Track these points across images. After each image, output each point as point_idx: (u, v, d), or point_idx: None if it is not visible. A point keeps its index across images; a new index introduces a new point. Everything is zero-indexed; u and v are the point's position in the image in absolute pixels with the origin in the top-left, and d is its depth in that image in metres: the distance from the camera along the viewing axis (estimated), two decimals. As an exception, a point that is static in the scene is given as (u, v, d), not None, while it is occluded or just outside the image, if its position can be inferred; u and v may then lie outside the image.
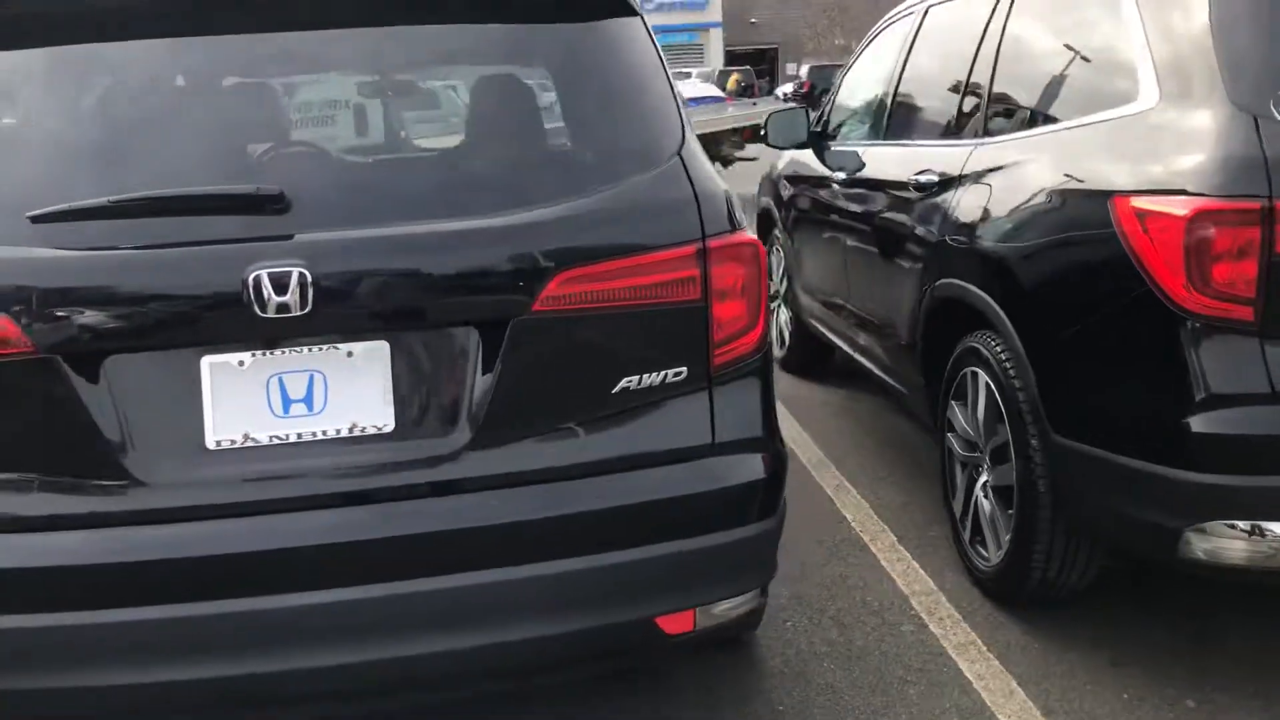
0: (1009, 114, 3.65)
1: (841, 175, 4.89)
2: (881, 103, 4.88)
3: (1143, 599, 3.46)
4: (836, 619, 3.46)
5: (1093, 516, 3.02)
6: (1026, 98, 3.60)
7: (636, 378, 2.30)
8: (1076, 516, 3.07)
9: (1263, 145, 2.52)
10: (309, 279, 2.10)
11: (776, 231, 6.00)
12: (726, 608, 2.46)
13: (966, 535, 3.65)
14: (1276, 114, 2.54)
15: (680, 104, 2.50)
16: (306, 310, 2.11)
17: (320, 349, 2.19)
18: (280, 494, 2.17)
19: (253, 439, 2.17)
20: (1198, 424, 2.59)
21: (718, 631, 2.54)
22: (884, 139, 4.70)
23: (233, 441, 2.17)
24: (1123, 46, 3.01)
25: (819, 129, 5.47)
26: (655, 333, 2.32)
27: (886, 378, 4.48)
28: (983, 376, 3.35)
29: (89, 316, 2.11)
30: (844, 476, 4.64)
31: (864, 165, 4.72)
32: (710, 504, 2.36)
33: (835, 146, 5.24)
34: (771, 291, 5.10)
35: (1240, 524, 2.59)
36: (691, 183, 2.34)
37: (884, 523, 4.16)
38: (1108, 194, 2.79)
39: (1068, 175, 3.06)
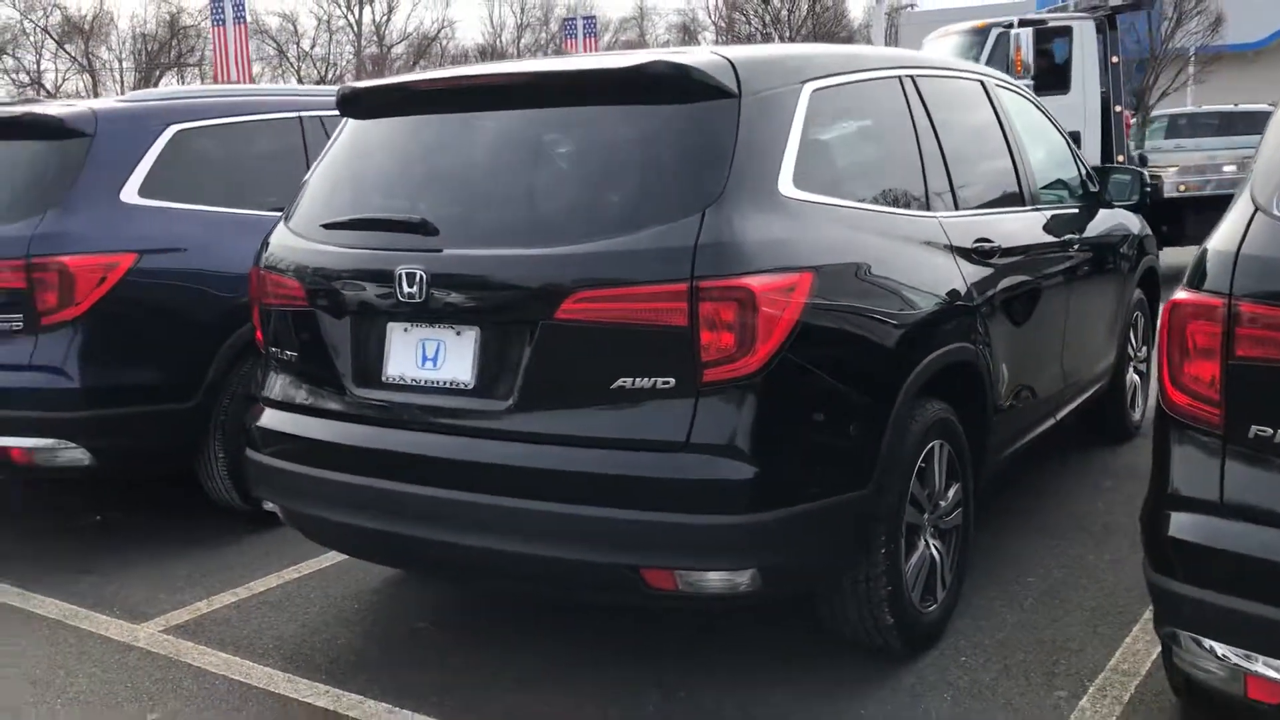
0: None
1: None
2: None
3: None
4: (1007, 665, 3.57)
5: None
6: None
7: (631, 379, 2.99)
8: None
9: None
10: (424, 277, 3.19)
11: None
12: (705, 578, 3.03)
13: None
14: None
15: (746, 167, 3.06)
16: (424, 299, 3.20)
17: (445, 327, 3.26)
18: (410, 416, 3.30)
19: (404, 378, 3.33)
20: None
21: (706, 600, 3.11)
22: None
23: (394, 378, 3.35)
24: None
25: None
26: (647, 348, 2.98)
27: None
28: None
29: (332, 287, 3.44)
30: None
31: None
32: (677, 489, 2.96)
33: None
34: None
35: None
36: (700, 233, 2.94)
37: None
38: None
39: None
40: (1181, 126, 24.60)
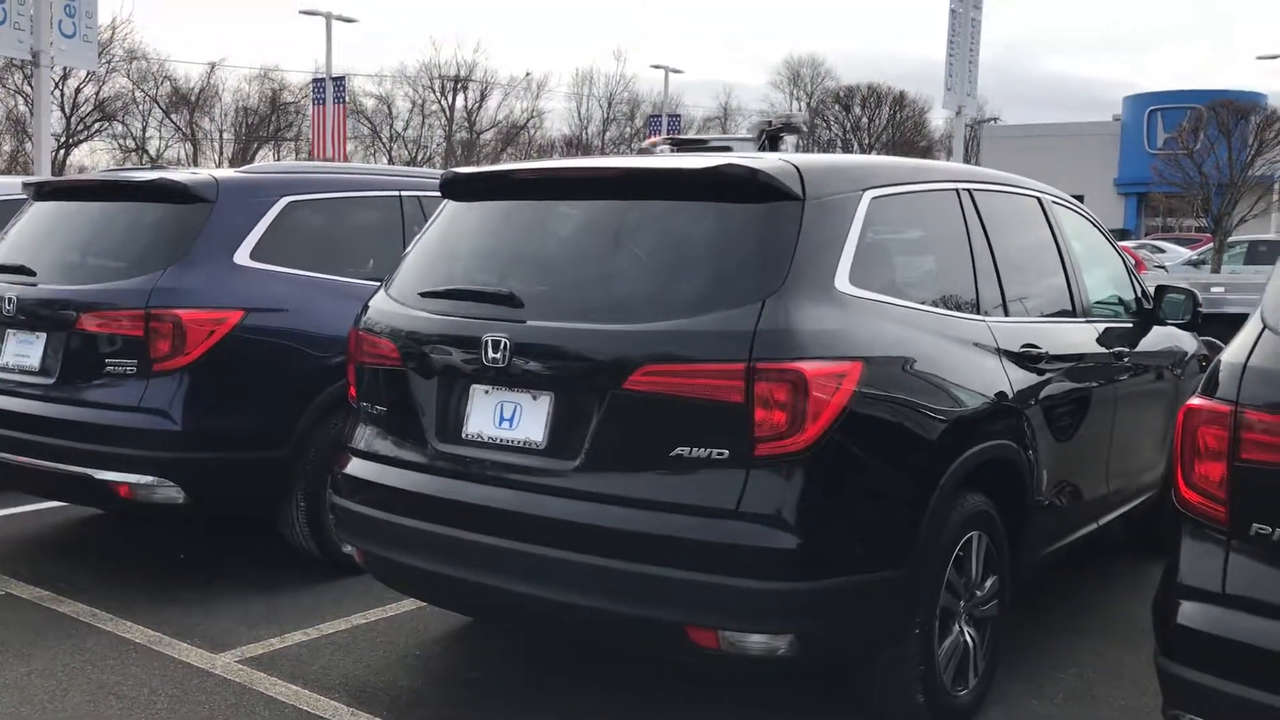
0: None
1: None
2: None
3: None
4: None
5: None
6: None
7: (689, 449, 3.26)
8: None
9: None
10: (507, 345, 3.51)
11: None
12: (746, 640, 3.26)
13: None
14: None
15: (805, 264, 3.35)
16: (506, 364, 3.52)
17: (522, 391, 3.57)
18: (485, 471, 3.59)
19: (482, 436, 3.63)
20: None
21: (747, 662, 3.33)
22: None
23: (473, 435, 3.65)
24: None
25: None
26: (706, 421, 3.25)
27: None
28: None
29: (423, 350, 3.78)
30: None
31: None
32: (725, 553, 3.20)
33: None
34: None
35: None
36: (760, 320, 3.23)
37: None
38: None
39: None
40: (1262, 253, 24.62)
